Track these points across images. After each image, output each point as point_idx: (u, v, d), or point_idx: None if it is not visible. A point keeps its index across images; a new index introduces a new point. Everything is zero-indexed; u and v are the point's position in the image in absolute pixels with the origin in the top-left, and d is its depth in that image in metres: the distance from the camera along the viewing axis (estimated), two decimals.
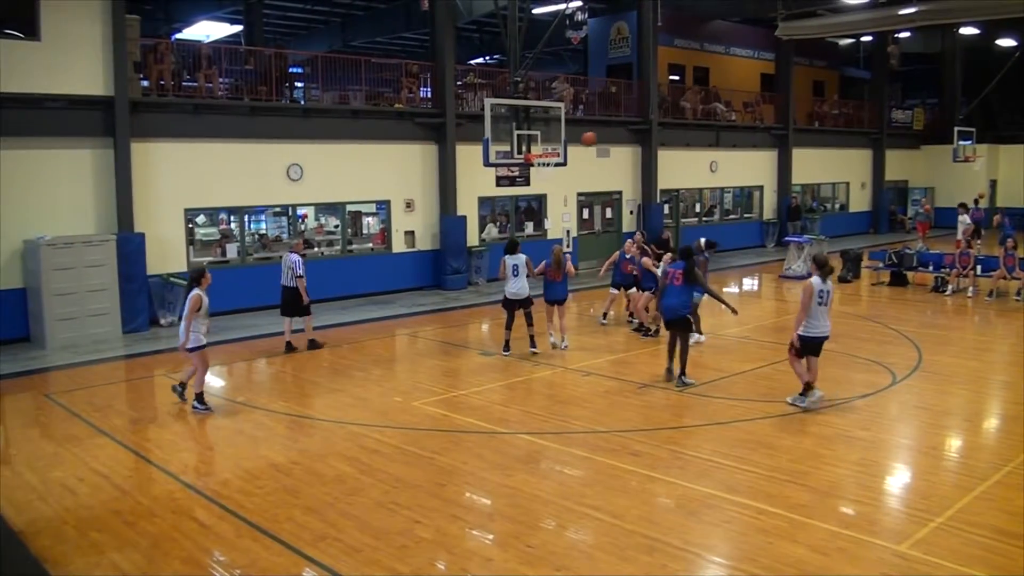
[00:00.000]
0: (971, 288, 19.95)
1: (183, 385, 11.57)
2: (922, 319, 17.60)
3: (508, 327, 14.31)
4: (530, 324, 14.20)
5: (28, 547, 7.14)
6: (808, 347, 10.69)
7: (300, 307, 14.79)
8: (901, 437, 10.09)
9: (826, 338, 10.77)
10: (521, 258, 14.18)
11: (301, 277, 14.56)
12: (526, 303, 14.19)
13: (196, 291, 10.96)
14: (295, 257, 14.67)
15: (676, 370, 12.17)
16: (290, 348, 14.87)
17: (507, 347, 14.23)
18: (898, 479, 8.89)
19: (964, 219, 26.20)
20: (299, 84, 22.53)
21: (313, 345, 15.05)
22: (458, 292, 21.63)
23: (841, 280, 22.28)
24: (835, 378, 12.38)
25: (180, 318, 11.84)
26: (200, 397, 11.15)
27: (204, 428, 10.81)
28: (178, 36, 30.16)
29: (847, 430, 10.07)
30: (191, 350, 11.08)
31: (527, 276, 14.23)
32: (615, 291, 16.66)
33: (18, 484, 8.67)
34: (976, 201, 31.07)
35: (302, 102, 20.13)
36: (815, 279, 10.58)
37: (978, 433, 10.50)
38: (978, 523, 7.29)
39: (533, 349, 14.22)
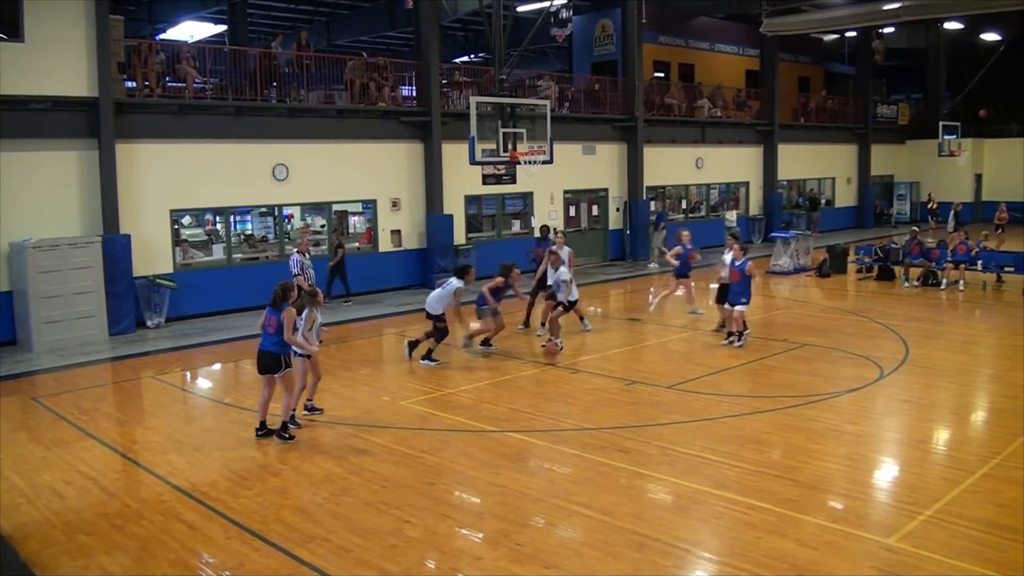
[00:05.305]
0: (961, 281, 20.00)
1: (304, 412, 10.72)
2: (908, 313, 17.65)
3: None
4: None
5: (17, 551, 7.10)
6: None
7: None
8: (889, 431, 10.14)
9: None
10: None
11: (297, 276, 14.40)
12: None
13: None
14: (294, 257, 14.48)
15: None
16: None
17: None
18: (886, 473, 8.92)
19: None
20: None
21: None
22: None
23: (821, 275, 22.52)
24: (824, 373, 12.50)
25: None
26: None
27: (192, 430, 10.77)
28: (162, 36, 29.98)
29: (836, 424, 10.11)
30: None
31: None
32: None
33: (6, 488, 8.61)
34: (929, 196, 34.77)
35: (287, 100, 20.07)
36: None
37: (966, 426, 10.54)
38: (967, 515, 7.32)
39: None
